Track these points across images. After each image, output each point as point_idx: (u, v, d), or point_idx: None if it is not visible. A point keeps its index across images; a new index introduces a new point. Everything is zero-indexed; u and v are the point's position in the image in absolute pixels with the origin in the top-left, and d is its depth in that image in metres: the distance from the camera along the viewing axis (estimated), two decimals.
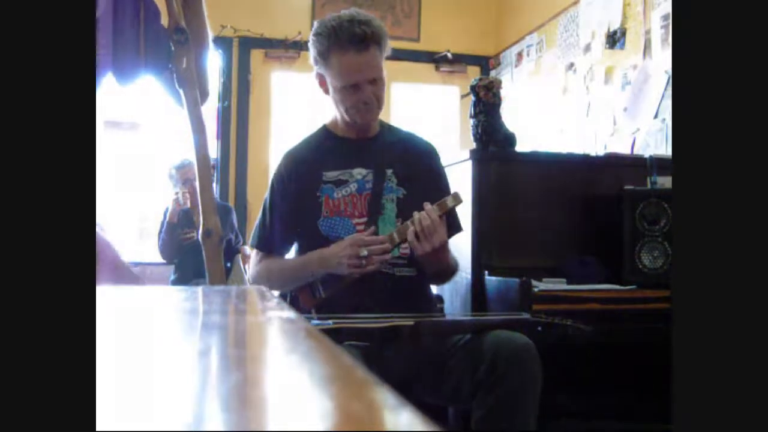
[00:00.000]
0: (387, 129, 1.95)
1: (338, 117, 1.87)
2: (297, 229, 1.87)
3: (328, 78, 1.80)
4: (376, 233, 1.74)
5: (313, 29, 1.80)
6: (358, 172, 1.83)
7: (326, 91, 1.85)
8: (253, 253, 1.97)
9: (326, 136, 1.92)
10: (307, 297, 1.80)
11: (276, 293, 1.92)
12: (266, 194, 1.92)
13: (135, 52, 1.49)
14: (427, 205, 1.68)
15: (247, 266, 4.11)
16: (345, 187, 1.81)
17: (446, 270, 1.86)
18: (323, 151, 1.88)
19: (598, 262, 2.22)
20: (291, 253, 1.94)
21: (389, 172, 1.84)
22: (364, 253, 1.66)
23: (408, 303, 1.73)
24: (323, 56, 1.77)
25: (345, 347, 1.55)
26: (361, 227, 1.77)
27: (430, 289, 1.93)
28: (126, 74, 1.51)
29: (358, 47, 1.73)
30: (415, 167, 1.88)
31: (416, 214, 1.67)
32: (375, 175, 1.82)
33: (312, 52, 1.81)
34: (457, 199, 1.72)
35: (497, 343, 1.58)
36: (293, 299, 1.86)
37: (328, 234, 1.78)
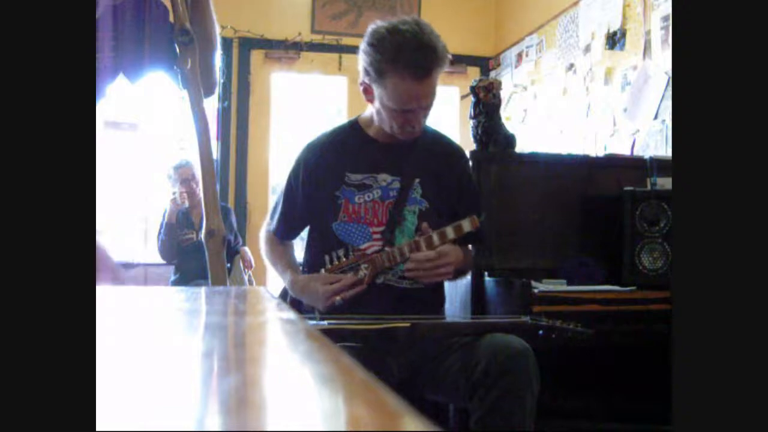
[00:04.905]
0: (422, 132, 1.84)
1: (376, 120, 1.78)
2: (310, 224, 1.88)
3: (378, 93, 1.69)
4: (357, 264, 1.73)
5: (369, 38, 1.67)
6: (383, 179, 1.78)
7: (370, 101, 1.75)
8: (267, 219, 1.98)
9: (355, 132, 1.84)
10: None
11: (276, 294, 1.92)
12: (285, 182, 1.90)
13: (140, 49, 1.49)
14: (433, 236, 1.68)
15: (246, 267, 4.12)
16: (368, 192, 1.77)
17: (461, 273, 1.86)
18: (349, 150, 1.81)
19: (597, 262, 2.22)
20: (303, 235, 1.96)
21: (416, 181, 1.79)
22: (339, 301, 1.68)
23: (412, 313, 1.70)
24: (378, 72, 1.65)
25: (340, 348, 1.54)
26: (378, 236, 1.76)
27: (441, 305, 1.90)
28: (133, 72, 1.52)
29: (418, 77, 1.62)
30: (442, 179, 1.83)
31: (422, 241, 1.68)
32: (401, 183, 1.78)
33: (364, 61, 1.68)
34: (474, 223, 1.69)
35: (493, 346, 1.57)
36: (295, 300, 1.86)
37: (343, 239, 1.77)
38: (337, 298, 1.68)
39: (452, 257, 1.70)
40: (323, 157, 1.83)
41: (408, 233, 1.77)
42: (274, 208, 1.95)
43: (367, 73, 1.69)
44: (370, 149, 1.81)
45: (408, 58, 1.61)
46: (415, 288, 1.76)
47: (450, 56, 1.71)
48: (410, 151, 1.81)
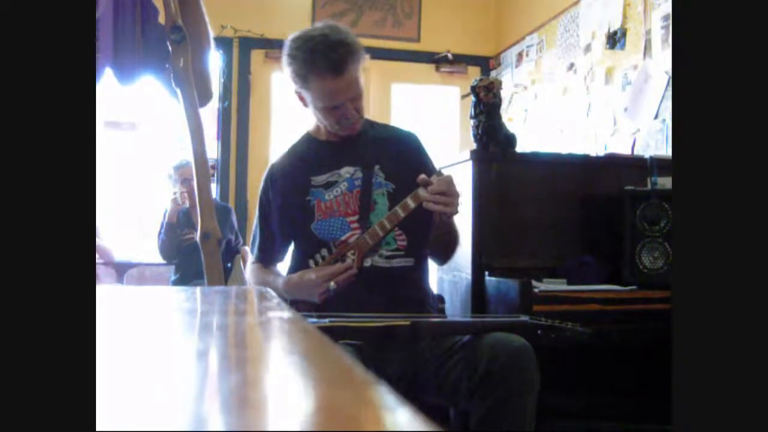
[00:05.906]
0: (369, 125, 1.96)
1: (321, 125, 1.91)
2: (291, 236, 1.92)
3: (308, 97, 1.82)
4: (343, 256, 1.78)
5: (287, 50, 1.80)
6: (346, 171, 1.86)
7: (305, 105, 1.88)
8: (249, 257, 2.05)
9: (310, 142, 1.96)
10: (305, 302, 1.83)
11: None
12: (257, 207, 1.98)
13: (133, 51, 1.48)
14: (407, 200, 1.73)
15: (246, 267, 4.12)
16: (335, 187, 1.85)
17: (453, 235, 1.88)
18: (309, 158, 1.92)
19: (598, 262, 2.22)
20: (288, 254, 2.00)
21: (376, 167, 1.87)
22: (333, 286, 1.72)
23: (404, 294, 1.76)
24: (302, 78, 1.78)
25: (340, 345, 1.55)
26: (356, 225, 1.81)
27: (426, 281, 1.94)
28: (126, 74, 1.51)
29: (335, 72, 1.73)
30: (400, 161, 1.90)
31: (421, 191, 1.70)
32: (363, 172, 1.86)
33: (288, 71, 1.81)
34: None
35: (494, 345, 1.58)
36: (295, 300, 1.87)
37: (324, 237, 1.82)
38: (331, 283, 1.72)
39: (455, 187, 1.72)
40: (287, 170, 1.92)
41: (382, 216, 1.81)
42: (254, 240, 2.01)
43: (294, 81, 1.82)
44: (326, 151, 1.91)
45: (322, 59, 1.72)
46: (402, 266, 1.81)
47: (364, 51, 1.81)
48: (364, 142, 1.90)
